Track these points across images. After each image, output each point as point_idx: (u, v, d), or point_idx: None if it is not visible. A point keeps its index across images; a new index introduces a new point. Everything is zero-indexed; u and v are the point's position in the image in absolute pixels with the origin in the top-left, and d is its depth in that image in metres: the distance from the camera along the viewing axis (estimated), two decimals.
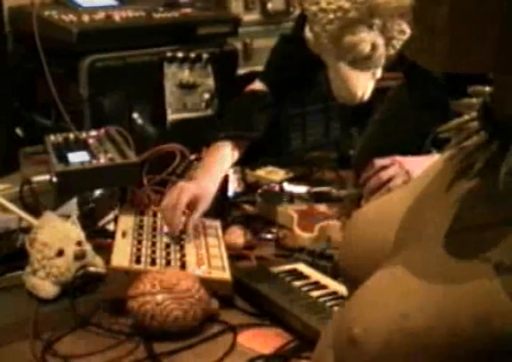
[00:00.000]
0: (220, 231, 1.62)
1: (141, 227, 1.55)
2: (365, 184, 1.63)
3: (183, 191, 1.60)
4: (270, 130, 2.12)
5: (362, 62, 1.56)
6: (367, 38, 1.53)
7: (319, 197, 1.87)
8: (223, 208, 1.80)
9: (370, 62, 1.56)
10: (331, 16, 1.52)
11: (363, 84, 1.61)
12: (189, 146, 1.90)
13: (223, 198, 1.81)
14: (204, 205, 1.62)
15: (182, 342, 1.26)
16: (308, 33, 1.59)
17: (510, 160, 0.60)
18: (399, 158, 1.61)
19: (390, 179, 1.58)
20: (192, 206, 1.60)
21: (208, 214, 1.72)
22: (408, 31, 1.54)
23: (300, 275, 1.46)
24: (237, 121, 1.82)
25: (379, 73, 1.62)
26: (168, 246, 1.48)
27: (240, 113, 1.86)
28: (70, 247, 1.39)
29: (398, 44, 1.56)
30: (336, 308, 1.28)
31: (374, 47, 1.53)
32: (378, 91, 1.81)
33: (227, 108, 1.95)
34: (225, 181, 1.82)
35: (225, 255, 1.49)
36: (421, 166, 1.60)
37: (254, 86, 1.88)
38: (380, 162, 1.61)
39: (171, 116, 2.20)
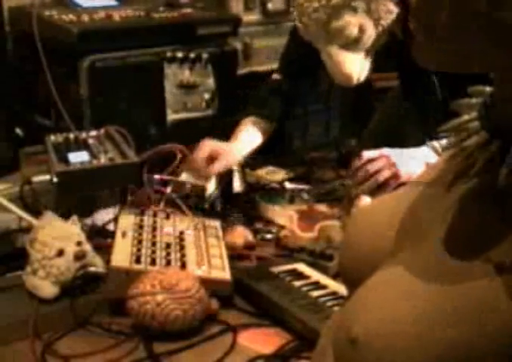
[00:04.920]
0: (220, 231, 1.62)
1: (141, 227, 1.55)
2: (354, 176, 1.64)
3: (203, 144, 1.79)
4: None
5: (352, 45, 1.61)
6: (353, 22, 1.58)
7: (319, 197, 1.87)
8: (223, 208, 1.80)
9: (360, 44, 1.62)
10: (316, 4, 1.59)
11: (357, 66, 1.66)
12: (189, 146, 1.90)
13: (227, 196, 1.82)
14: (225, 159, 1.79)
15: (182, 342, 1.26)
16: (298, 23, 1.66)
17: (510, 160, 0.60)
18: (386, 151, 1.62)
19: (377, 172, 1.59)
20: (213, 159, 1.78)
21: (208, 214, 1.72)
22: (395, 10, 1.57)
23: (300, 275, 1.46)
24: (255, 104, 1.98)
25: (373, 53, 1.66)
26: (168, 246, 1.48)
27: (257, 97, 2.00)
28: (70, 247, 1.39)
29: (386, 23, 1.60)
30: (336, 308, 1.28)
31: (362, 29, 1.59)
32: (378, 91, 1.82)
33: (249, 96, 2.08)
34: (229, 179, 1.83)
35: (225, 255, 1.49)
36: (407, 159, 1.63)
37: (272, 76, 1.99)
38: (367, 154, 1.62)
39: (171, 116, 2.20)
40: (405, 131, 1.90)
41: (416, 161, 1.60)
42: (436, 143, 1.63)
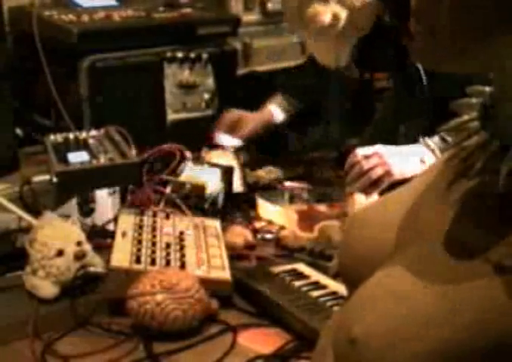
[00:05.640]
0: (220, 231, 1.62)
1: (141, 227, 1.55)
2: (348, 173, 1.65)
3: (227, 112, 2.04)
4: (270, 130, 2.13)
5: (327, 31, 1.71)
6: (325, 10, 1.69)
7: (319, 197, 1.87)
8: (224, 206, 1.80)
9: (335, 31, 1.71)
10: None
11: (332, 52, 1.79)
12: (189, 146, 1.90)
13: (227, 194, 1.82)
14: (246, 125, 2.02)
15: (182, 342, 1.26)
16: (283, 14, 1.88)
17: (510, 160, 0.60)
18: (380, 149, 1.63)
19: (370, 169, 1.60)
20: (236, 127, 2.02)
21: (208, 214, 1.72)
22: None
23: (300, 275, 1.46)
24: (288, 82, 2.16)
25: (353, 40, 1.77)
26: (167, 246, 1.48)
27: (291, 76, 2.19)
28: (70, 247, 1.39)
29: (364, 11, 1.71)
30: (336, 308, 1.28)
31: (336, 17, 1.70)
32: (378, 91, 1.83)
33: None
34: (230, 177, 1.83)
35: (225, 255, 1.49)
36: (400, 156, 1.63)
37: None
38: (362, 152, 1.62)
39: (171, 116, 2.20)
40: (399, 130, 1.91)
41: (410, 159, 1.61)
42: (429, 141, 1.63)
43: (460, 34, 0.59)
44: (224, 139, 2.00)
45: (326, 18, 1.67)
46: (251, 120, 2.06)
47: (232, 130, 2.05)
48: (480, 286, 0.58)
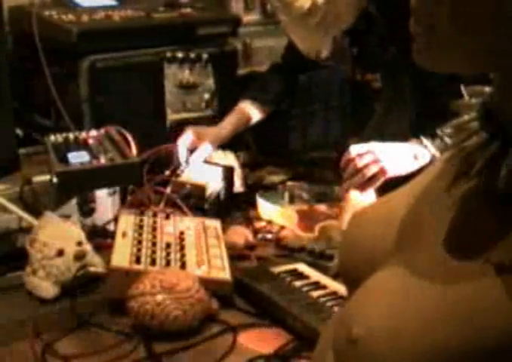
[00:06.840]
0: (220, 231, 1.62)
1: (141, 227, 1.55)
2: (343, 171, 1.65)
3: (188, 129, 1.95)
4: (270, 131, 2.13)
5: (307, 18, 1.74)
6: None
7: (319, 197, 1.87)
8: (224, 206, 1.80)
9: (315, 18, 1.73)
10: None
11: (309, 42, 1.83)
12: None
13: (228, 194, 1.82)
14: (207, 138, 1.93)
15: (182, 342, 1.26)
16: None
17: (510, 160, 0.60)
18: (373, 146, 1.63)
19: (364, 167, 1.60)
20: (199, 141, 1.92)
21: (208, 214, 1.72)
22: None
23: (301, 275, 1.46)
24: (253, 85, 2.10)
25: (334, 32, 1.79)
26: (168, 246, 1.48)
27: (257, 79, 2.15)
28: (70, 247, 1.39)
29: (344, 5, 1.74)
30: (336, 308, 1.28)
31: (315, 4, 1.71)
32: (375, 92, 1.84)
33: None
34: (231, 177, 1.83)
35: (225, 255, 1.49)
36: (393, 153, 1.64)
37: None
38: (356, 149, 1.62)
39: (171, 116, 2.20)
40: (393, 129, 1.91)
41: (403, 156, 1.61)
42: (422, 137, 1.64)
43: (460, 34, 0.59)
44: (183, 154, 1.90)
45: (306, 4, 1.69)
46: (208, 136, 1.97)
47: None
48: (480, 287, 0.58)
